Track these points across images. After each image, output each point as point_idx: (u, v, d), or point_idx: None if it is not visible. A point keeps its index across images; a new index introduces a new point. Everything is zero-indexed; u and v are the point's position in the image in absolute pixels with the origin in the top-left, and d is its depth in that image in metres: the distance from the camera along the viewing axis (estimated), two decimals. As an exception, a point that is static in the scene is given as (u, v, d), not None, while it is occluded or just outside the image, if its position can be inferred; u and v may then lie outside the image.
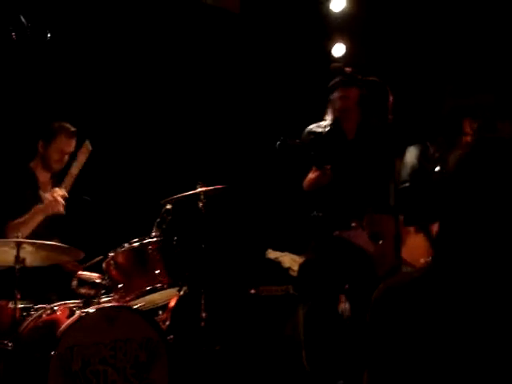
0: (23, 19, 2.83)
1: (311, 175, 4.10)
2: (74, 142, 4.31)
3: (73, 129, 4.31)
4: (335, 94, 4.22)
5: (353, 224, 4.04)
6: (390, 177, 3.91)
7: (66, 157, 4.30)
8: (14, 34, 2.82)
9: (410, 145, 4.82)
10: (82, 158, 4.05)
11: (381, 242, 4.01)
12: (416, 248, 4.26)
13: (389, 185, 4.14)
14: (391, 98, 3.45)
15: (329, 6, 6.05)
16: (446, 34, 5.77)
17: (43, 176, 4.32)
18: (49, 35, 3.49)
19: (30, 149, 4.35)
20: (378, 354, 1.61)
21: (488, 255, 1.54)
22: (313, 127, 4.29)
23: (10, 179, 4.17)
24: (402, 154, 4.51)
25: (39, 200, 4.23)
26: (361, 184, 4.16)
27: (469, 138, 4.88)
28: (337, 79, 4.15)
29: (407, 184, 4.75)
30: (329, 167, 3.93)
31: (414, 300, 1.57)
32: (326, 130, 4.22)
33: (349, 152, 4.19)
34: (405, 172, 4.67)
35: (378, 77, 3.65)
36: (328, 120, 4.28)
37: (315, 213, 4.21)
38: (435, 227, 4.91)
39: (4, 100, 4.76)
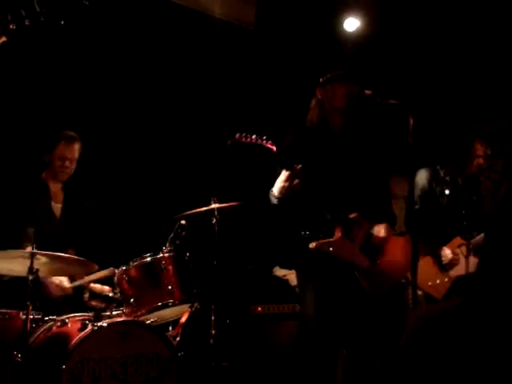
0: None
1: (281, 179, 3.57)
2: (75, 148, 4.35)
3: (73, 134, 4.37)
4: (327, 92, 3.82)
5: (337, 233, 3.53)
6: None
7: (68, 163, 4.32)
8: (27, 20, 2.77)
9: (421, 167, 4.83)
10: (101, 274, 3.91)
11: (380, 259, 3.61)
12: (424, 271, 4.24)
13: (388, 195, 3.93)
14: (411, 121, 3.44)
15: (343, 26, 6.10)
16: (460, 56, 5.81)
17: (54, 187, 4.37)
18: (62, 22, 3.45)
19: (40, 160, 4.42)
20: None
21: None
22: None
23: (23, 190, 4.22)
24: (412, 176, 4.43)
25: (51, 210, 4.29)
26: (351, 186, 3.69)
27: (481, 161, 4.90)
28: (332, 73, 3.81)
29: (417, 206, 4.75)
30: (299, 167, 3.46)
31: (453, 333, 1.56)
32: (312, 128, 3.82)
33: (336, 150, 3.77)
34: (415, 194, 4.66)
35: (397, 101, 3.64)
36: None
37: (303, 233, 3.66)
38: (444, 250, 4.86)
39: (17, 112, 4.78)
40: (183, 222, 3.92)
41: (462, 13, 5.65)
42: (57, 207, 4.36)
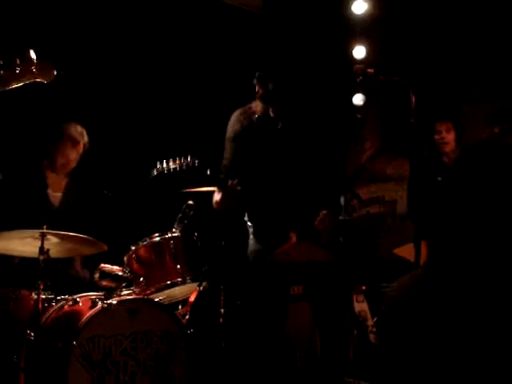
0: None
1: (216, 196, 3.82)
2: (80, 148, 4.39)
3: (79, 139, 4.37)
4: None
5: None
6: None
7: (72, 163, 4.37)
8: None
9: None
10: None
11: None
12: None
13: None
14: (413, 99, 3.47)
15: (350, 8, 6.09)
16: (467, 37, 5.78)
17: (53, 176, 4.36)
18: None
19: (42, 148, 4.42)
20: (399, 356, 1.64)
21: (484, 252, 1.58)
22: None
23: (18, 178, 4.23)
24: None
25: (47, 199, 4.29)
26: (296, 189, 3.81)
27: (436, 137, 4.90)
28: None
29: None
30: (235, 182, 3.65)
31: (421, 300, 1.61)
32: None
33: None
34: None
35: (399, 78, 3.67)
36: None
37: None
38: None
39: (16, 99, 4.80)
40: (191, 202, 3.97)
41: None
42: (54, 196, 4.35)
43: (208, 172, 3.64)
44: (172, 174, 3.61)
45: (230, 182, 3.70)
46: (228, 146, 3.95)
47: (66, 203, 4.37)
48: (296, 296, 4.99)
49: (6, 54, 2.68)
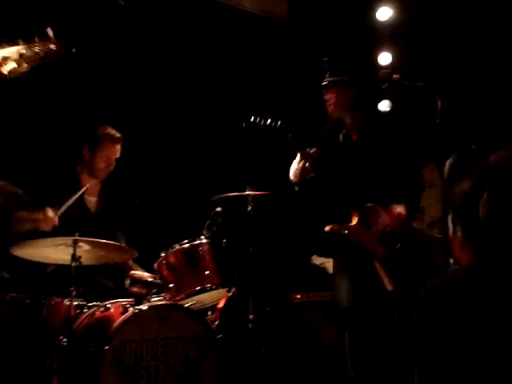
0: None
1: (295, 162, 3.68)
2: (119, 148, 4.34)
3: (118, 135, 4.35)
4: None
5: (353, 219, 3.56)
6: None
7: (112, 164, 4.34)
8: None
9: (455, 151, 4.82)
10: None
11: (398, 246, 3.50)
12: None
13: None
14: (439, 104, 3.48)
15: (375, 15, 6.11)
16: (492, 42, 5.76)
17: (88, 181, 4.30)
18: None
19: (76, 153, 4.37)
20: (426, 353, 1.64)
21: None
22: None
23: (53, 183, 4.19)
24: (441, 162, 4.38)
25: (84, 204, 4.29)
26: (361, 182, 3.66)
27: None
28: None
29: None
30: (312, 151, 3.56)
31: (460, 299, 1.61)
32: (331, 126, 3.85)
33: (350, 146, 3.79)
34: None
35: (425, 84, 3.68)
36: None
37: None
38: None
39: (50, 103, 4.83)
40: (219, 209, 4.02)
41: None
42: (90, 201, 4.34)
43: (290, 136, 3.56)
44: (262, 128, 3.57)
45: (312, 150, 3.64)
46: None
47: (101, 208, 4.37)
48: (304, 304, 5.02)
49: (25, 33, 2.76)
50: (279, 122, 3.56)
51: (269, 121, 3.56)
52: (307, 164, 3.56)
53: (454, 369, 1.60)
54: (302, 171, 3.60)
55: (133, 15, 4.99)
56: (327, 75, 3.70)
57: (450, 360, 1.60)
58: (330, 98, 3.70)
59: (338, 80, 3.66)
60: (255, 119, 3.56)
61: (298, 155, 3.60)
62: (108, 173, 4.37)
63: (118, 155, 4.36)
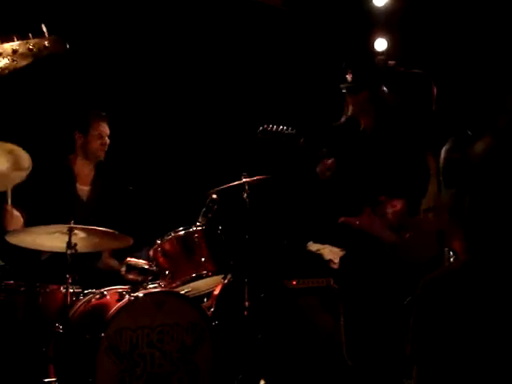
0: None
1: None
2: (107, 125, 4.36)
3: (104, 113, 4.38)
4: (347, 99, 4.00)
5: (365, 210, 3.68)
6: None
7: (107, 140, 4.34)
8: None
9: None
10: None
11: (408, 235, 3.62)
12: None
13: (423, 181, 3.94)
14: (435, 91, 3.47)
15: (371, 1, 6.08)
16: (488, 29, 5.74)
17: (82, 168, 4.33)
18: None
19: (67, 142, 4.37)
20: (425, 347, 1.65)
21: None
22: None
23: (44, 174, 4.16)
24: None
25: (76, 193, 4.29)
26: (377, 174, 3.81)
27: None
28: (343, 85, 3.91)
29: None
30: (329, 161, 3.78)
31: (458, 292, 1.61)
32: (342, 123, 4.01)
33: (364, 144, 3.93)
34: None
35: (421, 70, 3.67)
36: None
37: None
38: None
39: (39, 94, 4.83)
40: (215, 196, 4.02)
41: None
42: (82, 189, 4.33)
43: (302, 140, 3.78)
44: (274, 135, 3.80)
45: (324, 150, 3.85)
46: None
47: (93, 197, 4.35)
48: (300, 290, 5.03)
49: (19, 30, 2.75)
50: (290, 128, 3.76)
51: (280, 127, 3.76)
52: (324, 170, 3.79)
53: (452, 362, 1.60)
54: (321, 172, 3.82)
55: (128, 3, 4.98)
56: (350, 78, 3.78)
57: (449, 353, 1.60)
58: (352, 100, 3.82)
59: (363, 84, 3.75)
60: (267, 127, 3.76)
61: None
62: (104, 152, 4.35)
63: (108, 133, 4.36)
